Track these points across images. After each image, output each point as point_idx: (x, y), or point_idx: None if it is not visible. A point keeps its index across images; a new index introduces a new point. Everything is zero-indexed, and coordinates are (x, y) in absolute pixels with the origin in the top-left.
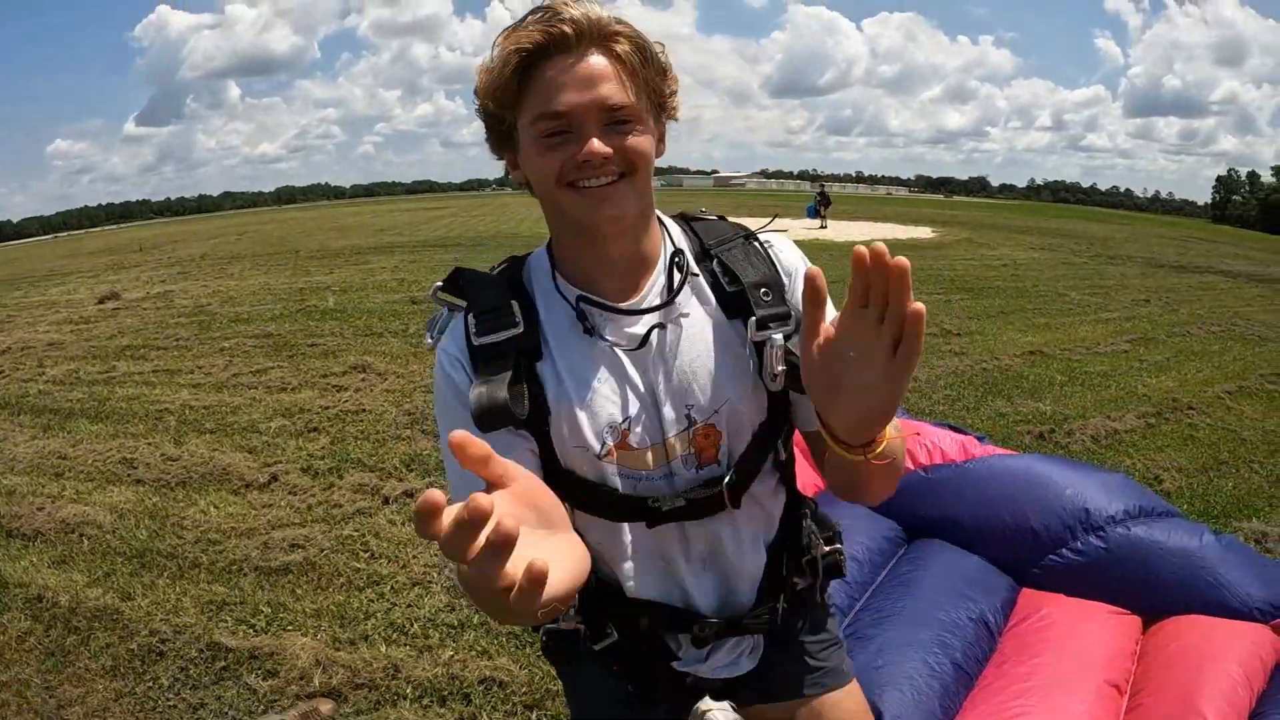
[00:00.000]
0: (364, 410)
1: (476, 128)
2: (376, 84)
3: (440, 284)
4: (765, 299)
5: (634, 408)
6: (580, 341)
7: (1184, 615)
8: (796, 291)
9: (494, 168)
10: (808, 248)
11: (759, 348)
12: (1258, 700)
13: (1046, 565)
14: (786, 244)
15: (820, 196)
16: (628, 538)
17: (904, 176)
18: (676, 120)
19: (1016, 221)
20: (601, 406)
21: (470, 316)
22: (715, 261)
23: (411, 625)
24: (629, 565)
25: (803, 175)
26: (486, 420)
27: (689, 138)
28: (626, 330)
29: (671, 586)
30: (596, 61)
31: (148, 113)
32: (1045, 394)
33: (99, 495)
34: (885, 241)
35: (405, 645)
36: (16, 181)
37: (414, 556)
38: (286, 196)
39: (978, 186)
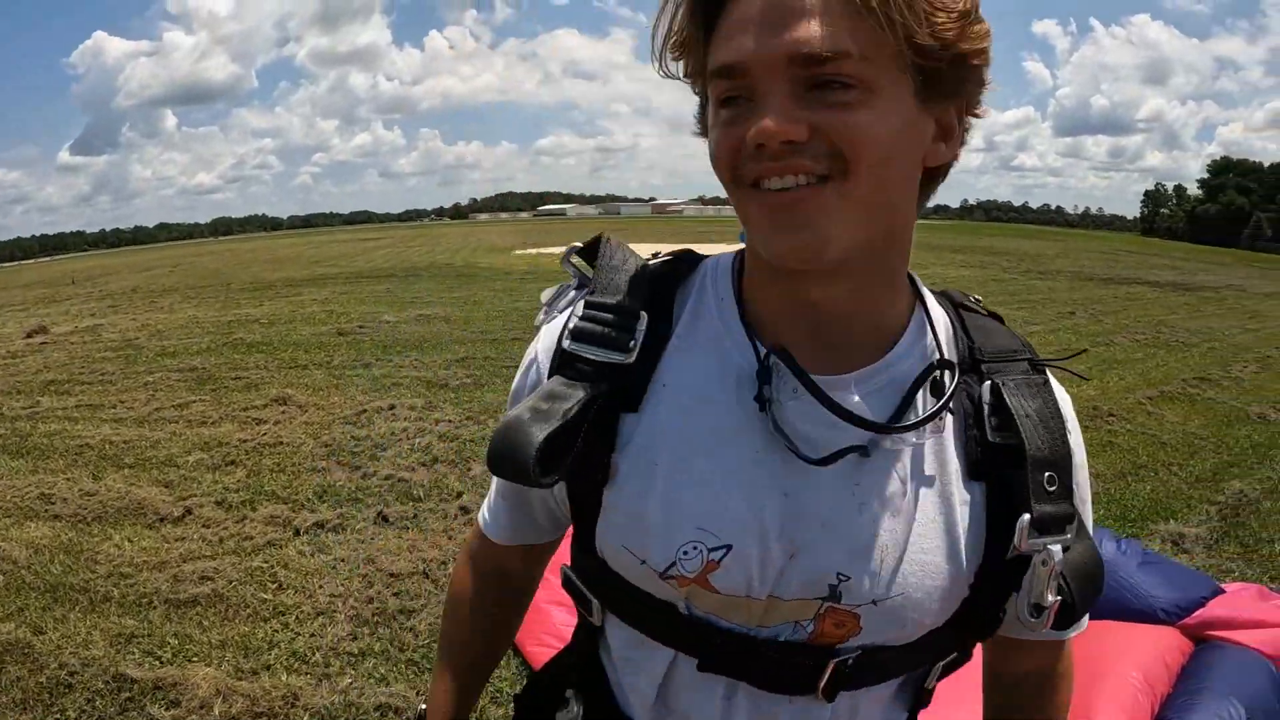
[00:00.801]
0: (282, 443)
1: (414, 158)
2: (314, 113)
3: (579, 245)
4: (1049, 488)
5: (739, 536)
6: (723, 409)
7: (1090, 621)
8: (1077, 477)
9: (431, 197)
10: None
11: (1015, 559)
12: (1162, 704)
13: None
14: (1067, 397)
15: None
16: (662, 667)
17: None
18: (978, 116)
19: (949, 241)
20: (691, 513)
21: (581, 305)
22: (987, 388)
23: (313, 654)
24: (649, 709)
25: None
26: (495, 463)
27: (627, 165)
28: (807, 426)
29: None
30: None
31: (83, 141)
32: None
33: (15, 531)
34: None
35: (305, 674)
36: None
37: (320, 587)
38: (223, 228)
39: None
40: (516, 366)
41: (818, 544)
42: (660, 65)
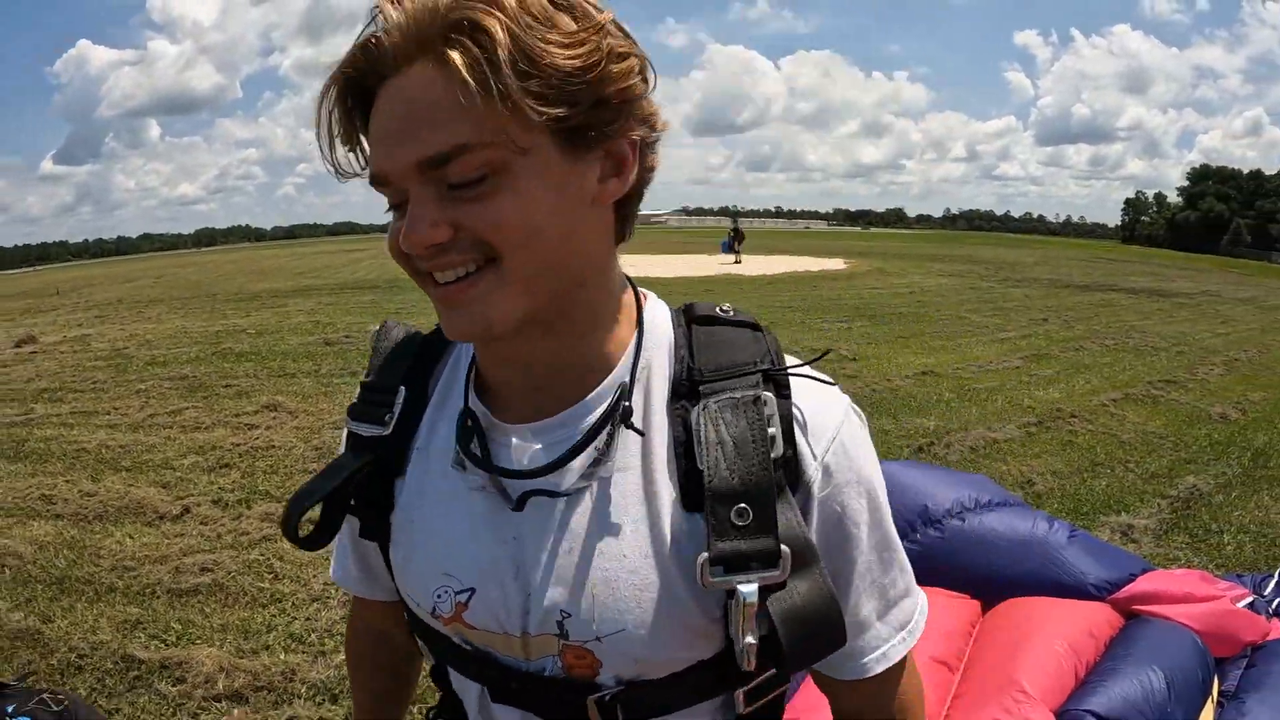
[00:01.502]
0: (274, 446)
1: None
2: (298, 124)
3: (375, 328)
4: (738, 521)
5: (480, 580)
6: (447, 464)
7: (1020, 597)
8: (821, 503)
9: None
10: (720, 283)
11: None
12: (1088, 670)
13: None
14: (829, 407)
15: (734, 232)
16: (474, 696)
17: (823, 210)
18: (655, 132)
19: (930, 250)
20: (435, 561)
21: (359, 388)
22: (701, 409)
23: (309, 635)
24: None
25: (723, 211)
26: (285, 524)
27: None
28: (520, 450)
29: None
30: (419, 85)
31: (65, 151)
32: (931, 411)
33: (19, 530)
34: (797, 274)
35: (302, 652)
36: None
37: (314, 576)
38: (206, 239)
39: (895, 218)
40: None
41: (543, 583)
42: (335, 170)
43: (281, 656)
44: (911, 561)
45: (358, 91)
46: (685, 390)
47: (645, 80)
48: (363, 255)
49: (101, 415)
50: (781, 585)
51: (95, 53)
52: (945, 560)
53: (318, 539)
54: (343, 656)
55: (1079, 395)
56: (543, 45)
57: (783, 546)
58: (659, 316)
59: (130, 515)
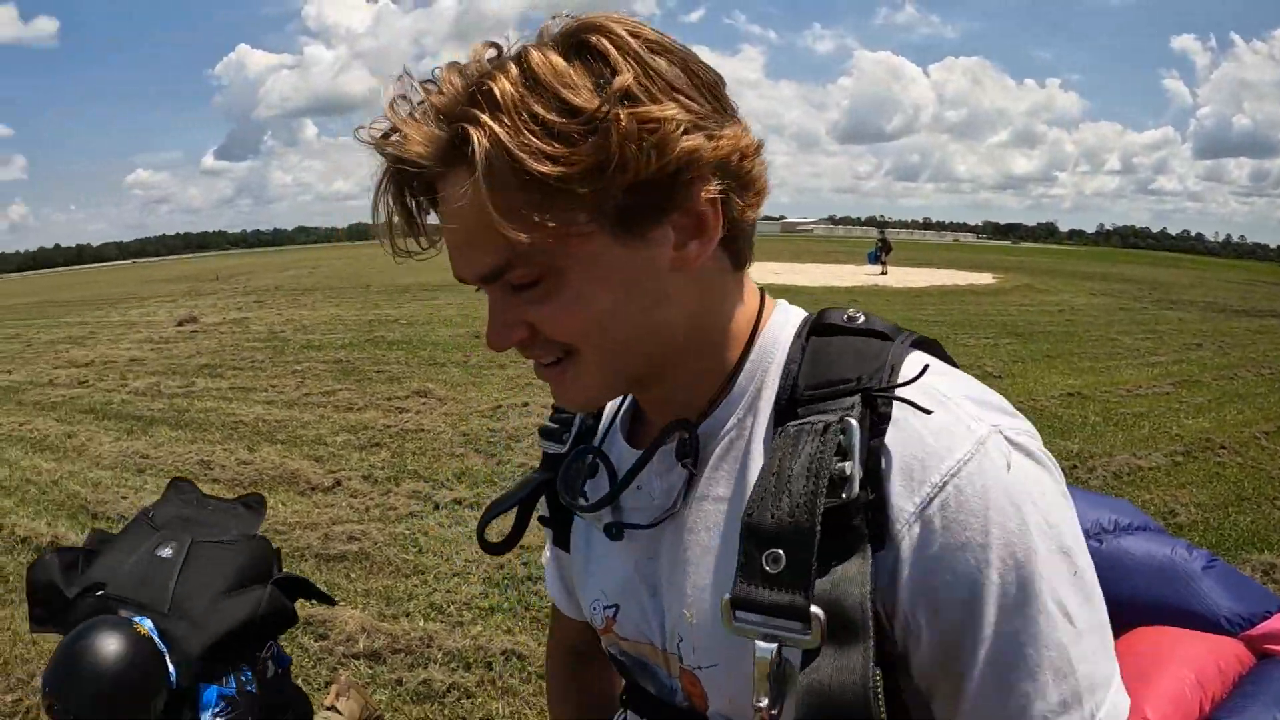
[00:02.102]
0: (423, 430)
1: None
2: None
3: None
4: (769, 568)
5: (626, 600)
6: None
7: (1151, 626)
8: (918, 571)
9: None
10: (864, 293)
11: None
12: (1214, 706)
13: None
14: (945, 442)
15: (881, 243)
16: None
17: (971, 222)
18: (747, 174)
19: (1081, 267)
20: (592, 578)
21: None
22: (780, 433)
23: (448, 606)
24: None
25: (870, 221)
26: (478, 530)
27: None
28: (642, 491)
29: None
30: (454, 202)
31: (226, 148)
32: (1076, 433)
33: None
34: (944, 288)
35: (441, 621)
36: (96, 208)
37: (457, 552)
38: (359, 233)
39: (1045, 232)
40: None
41: (668, 603)
42: (393, 253)
43: (421, 624)
44: None
45: (412, 180)
46: (785, 411)
47: (703, 131)
48: None
49: (259, 392)
50: (816, 652)
51: (253, 57)
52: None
53: (504, 544)
54: (479, 628)
55: (1230, 425)
56: (528, 154)
57: (814, 609)
58: (779, 334)
59: (284, 484)
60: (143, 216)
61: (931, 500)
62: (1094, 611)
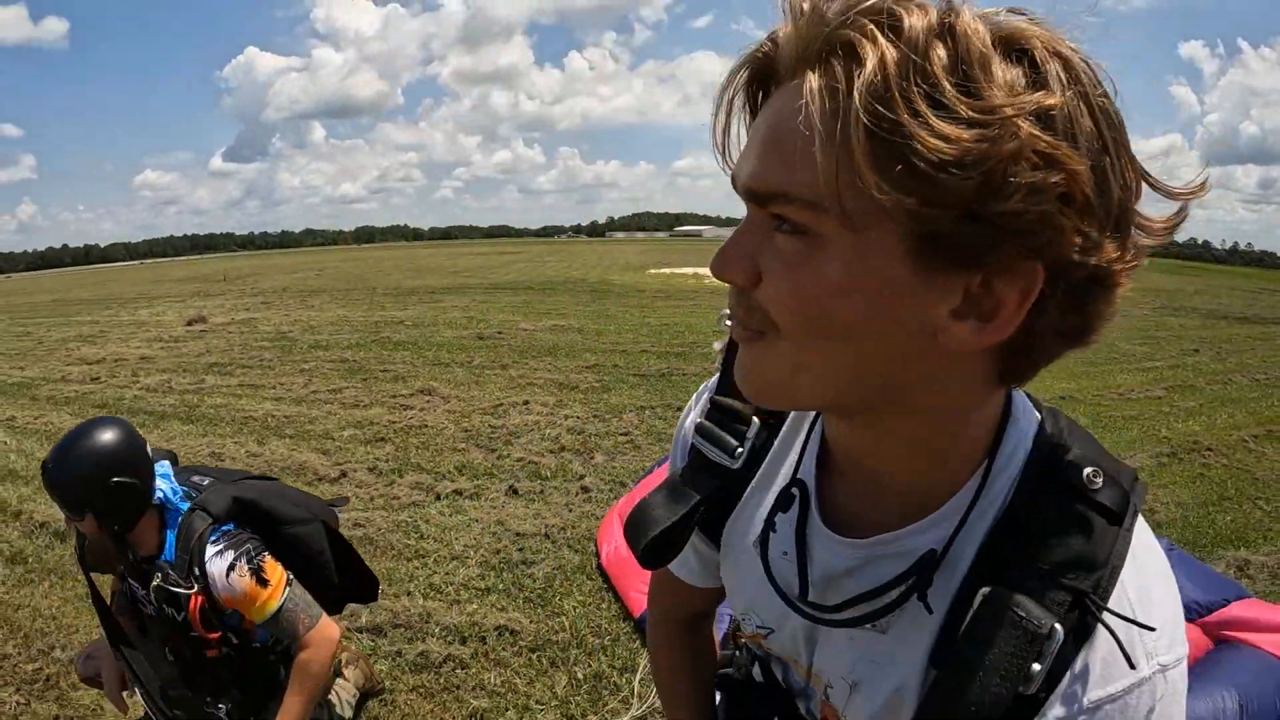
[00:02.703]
0: (426, 426)
1: (554, 176)
2: (457, 130)
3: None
4: None
5: (777, 624)
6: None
7: None
8: None
9: (569, 215)
10: None
11: None
12: None
13: None
14: (1116, 676)
15: None
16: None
17: None
18: (1094, 280)
19: None
20: (744, 595)
21: (707, 399)
22: (980, 602)
23: (446, 587)
24: None
25: None
26: (627, 537)
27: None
28: (823, 561)
29: None
30: (783, 105)
31: (234, 149)
32: None
33: None
34: None
35: (439, 600)
36: (104, 208)
37: (455, 538)
38: (365, 236)
39: None
40: (643, 375)
41: (826, 662)
42: (722, 156)
43: (420, 602)
44: None
45: (761, 82)
46: (985, 569)
47: (1076, 203)
48: (516, 258)
49: (267, 389)
50: None
51: (262, 59)
52: None
53: (669, 557)
54: (474, 606)
55: (1219, 429)
56: (914, 111)
57: None
58: (1010, 459)
59: (292, 474)
60: (151, 217)
61: (1082, 712)
62: None
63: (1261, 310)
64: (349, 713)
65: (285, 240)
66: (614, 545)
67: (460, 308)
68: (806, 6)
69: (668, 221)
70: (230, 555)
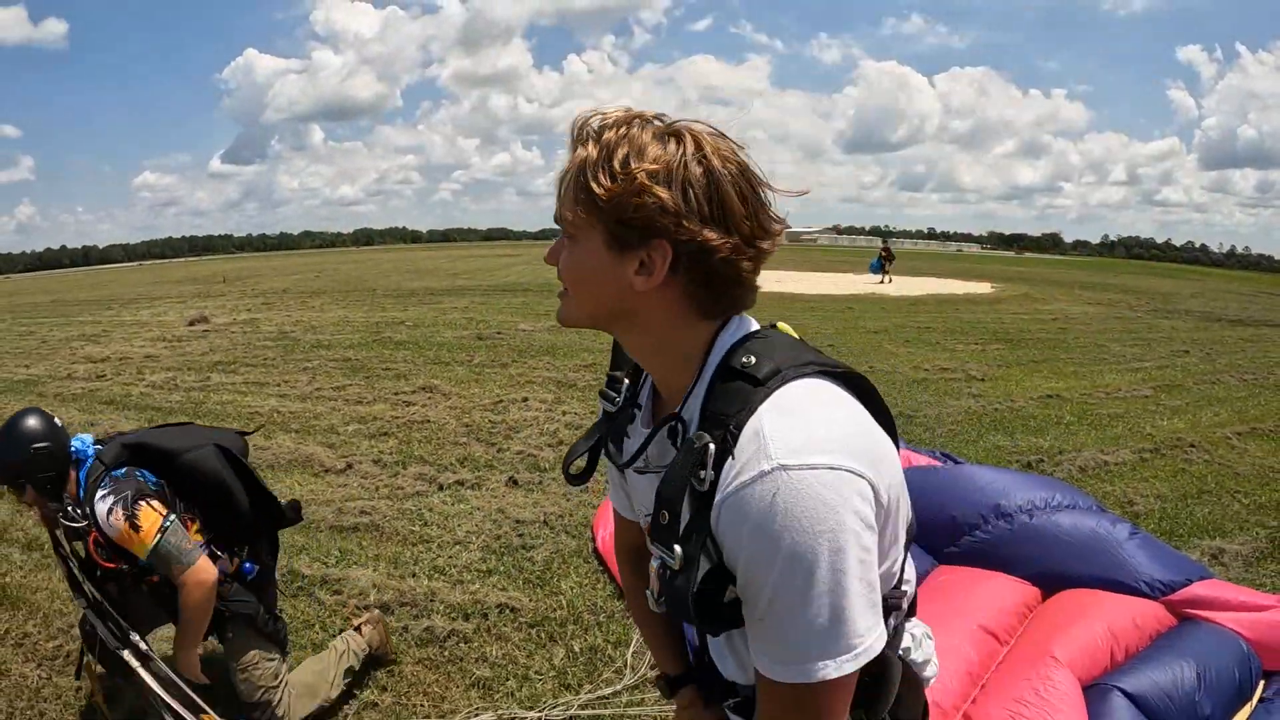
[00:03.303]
0: (429, 421)
1: (552, 178)
2: (456, 132)
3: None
4: (662, 521)
5: (645, 510)
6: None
7: (1079, 589)
8: (721, 537)
9: None
10: (864, 301)
11: None
12: (1128, 656)
13: (960, 544)
14: (747, 468)
15: (884, 252)
16: None
17: (976, 233)
18: (702, 252)
19: (1084, 278)
20: (635, 493)
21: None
22: (684, 440)
23: (450, 569)
24: None
25: (875, 231)
26: (563, 467)
27: None
28: (626, 461)
29: None
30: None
31: (233, 151)
32: (1049, 431)
33: None
34: (941, 297)
35: (443, 580)
36: (104, 210)
37: (458, 525)
38: (364, 238)
39: (1050, 243)
40: None
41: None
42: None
43: (425, 582)
44: (978, 550)
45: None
46: (702, 421)
47: (672, 212)
48: (515, 260)
49: (272, 386)
50: (679, 572)
51: (262, 61)
52: (1010, 550)
53: (584, 475)
54: (477, 586)
55: (1204, 427)
56: (590, 178)
57: (676, 547)
58: (713, 362)
59: (299, 467)
60: (150, 219)
61: (725, 501)
62: (814, 603)
63: (1255, 312)
64: (353, 662)
65: (284, 242)
66: (609, 530)
67: (460, 309)
68: (575, 128)
69: None
70: (111, 500)
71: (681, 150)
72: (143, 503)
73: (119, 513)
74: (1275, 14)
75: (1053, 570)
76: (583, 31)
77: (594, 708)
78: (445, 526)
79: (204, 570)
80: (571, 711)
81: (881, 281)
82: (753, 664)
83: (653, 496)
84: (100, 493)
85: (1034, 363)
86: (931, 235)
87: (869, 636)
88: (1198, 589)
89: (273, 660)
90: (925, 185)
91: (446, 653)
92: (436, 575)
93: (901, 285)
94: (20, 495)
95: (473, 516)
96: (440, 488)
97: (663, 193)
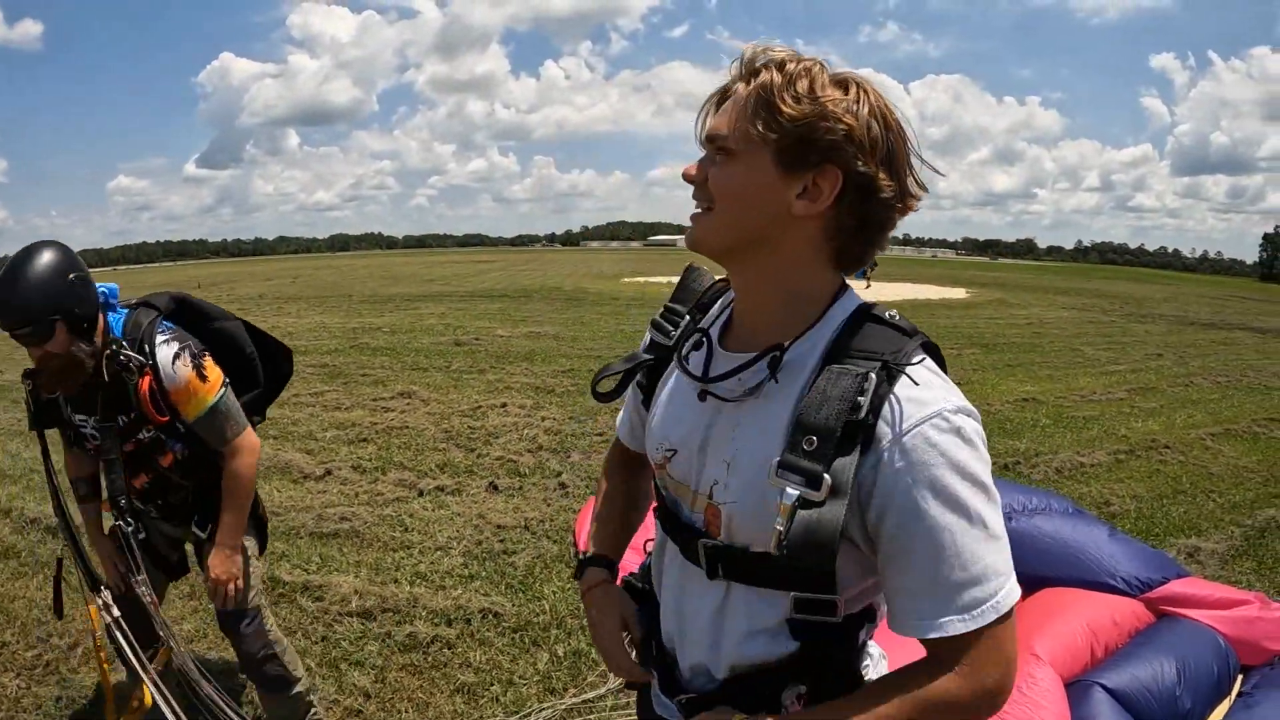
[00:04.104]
0: (407, 427)
1: (528, 184)
2: (432, 138)
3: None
4: (806, 447)
5: (684, 448)
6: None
7: (1059, 588)
8: (888, 474)
9: (544, 223)
10: None
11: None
12: (1107, 653)
13: None
14: (924, 405)
15: None
16: (665, 552)
17: (951, 239)
18: (875, 187)
19: (1058, 283)
20: (661, 428)
21: (662, 308)
22: (828, 370)
23: (432, 575)
24: (660, 583)
25: None
26: (593, 383)
27: None
28: (712, 376)
29: (669, 624)
30: (734, 94)
31: (208, 155)
32: (1025, 434)
33: None
34: (918, 302)
35: (425, 586)
36: (77, 214)
37: (439, 531)
38: (340, 244)
39: (1025, 249)
40: None
41: (713, 458)
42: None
43: (407, 588)
44: None
45: (724, 91)
46: (831, 357)
47: (855, 142)
48: (490, 266)
49: None
50: (821, 504)
51: (238, 65)
52: None
53: (612, 394)
54: (459, 591)
55: (1178, 428)
56: (776, 97)
57: (825, 476)
58: (842, 309)
59: (278, 473)
60: (124, 223)
61: (904, 435)
62: (994, 526)
63: (1228, 316)
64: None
65: (259, 247)
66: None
67: (437, 315)
68: (746, 58)
69: (642, 231)
70: (175, 346)
71: (859, 94)
72: (206, 356)
73: (186, 360)
74: (1247, 22)
75: (1033, 573)
76: (560, 37)
77: (579, 711)
78: (426, 532)
79: (254, 437)
80: (557, 715)
81: (865, 286)
82: (891, 624)
83: (721, 426)
84: (161, 338)
85: (1009, 367)
86: (907, 241)
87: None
88: (1175, 586)
89: (256, 565)
90: None
91: (430, 659)
92: (418, 581)
93: (878, 291)
94: (44, 340)
95: (454, 522)
96: (420, 493)
97: (852, 121)
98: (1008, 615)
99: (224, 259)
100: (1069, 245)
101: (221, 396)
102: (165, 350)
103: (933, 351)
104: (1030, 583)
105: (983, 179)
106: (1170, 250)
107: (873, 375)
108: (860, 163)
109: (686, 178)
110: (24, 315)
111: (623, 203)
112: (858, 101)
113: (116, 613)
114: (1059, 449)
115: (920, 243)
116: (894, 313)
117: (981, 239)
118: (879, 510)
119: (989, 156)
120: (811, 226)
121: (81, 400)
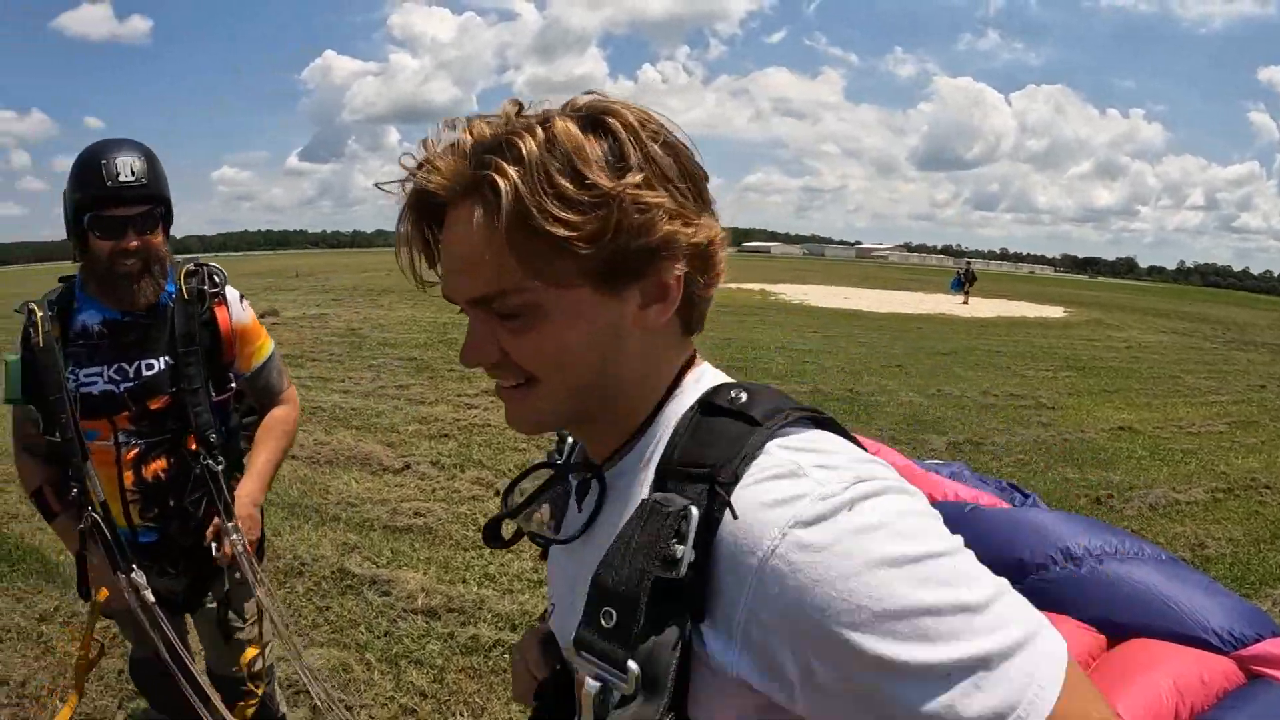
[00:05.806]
0: (490, 425)
1: None
2: None
3: None
4: (604, 621)
5: (556, 603)
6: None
7: (1146, 639)
8: (748, 644)
9: None
10: (933, 322)
11: None
12: (1193, 715)
13: (1026, 584)
14: (760, 530)
15: (966, 273)
16: None
17: (1050, 255)
18: (708, 260)
19: (1157, 304)
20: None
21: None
22: (640, 506)
23: (501, 577)
24: None
25: (946, 250)
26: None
27: (833, 207)
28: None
29: None
30: (460, 231)
31: (310, 149)
32: (1119, 465)
33: None
34: (1012, 319)
35: (493, 589)
36: (182, 202)
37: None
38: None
39: (1125, 268)
40: None
41: (559, 619)
42: (415, 280)
43: (475, 589)
44: (1044, 590)
45: (429, 210)
46: (659, 482)
47: (684, 220)
48: None
49: (336, 382)
50: (632, 697)
51: (340, 63)
52: (1075, 592)
53: (510, 542)
54: (526, 596)
55: None
56: (541, 213)
57: (631, 664)
58: (679, 405)
59: (357, 464)
60: (226, 212)
61: (751, 588)
62: (970, 597)
63: None
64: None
65: (357, 240)
66: None
67: None
68: (443, 151)
69: (736, 238)
70: (238, 292)
71: (630, 135)
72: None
73: (247, 305)
74: None
75: (1119, 619)
76: (657, 41)
77: None
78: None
79: (295, 394)
80: None
81: (963, 301)
82: None
83: (575, 578)
84: (218, 279)
85: (1105, 392)
86: (1004, 256)
87: None
88: (1270, 646)
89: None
90: (998, 205)
91: (491, 663)
92: (487, 582)
93: (972, 306)
94: (153, 227)
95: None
96: (498, 493)
97: (652, 196)
98: (1058, 696)
99: (322, 249)
100: (1170, 265)
101: (274, 349)
102: (231, 291)
103: (808, 424)
104: (1115, 628)
105: (1083, 194)
106: (1276, 275)
107: (693, 510)
108: (690, 230)
109: (472, 364)
110: (156, 191)
111: (717, 208)
112: (637, 152)
113: (150, 596)
114: (1154, 483)
115: (1017, 258)
116: (739, 394)
117: (1080, 255)
118: (788, 698)
119: (1090, 170)
120: (655, 329)
121: (116, 343)
